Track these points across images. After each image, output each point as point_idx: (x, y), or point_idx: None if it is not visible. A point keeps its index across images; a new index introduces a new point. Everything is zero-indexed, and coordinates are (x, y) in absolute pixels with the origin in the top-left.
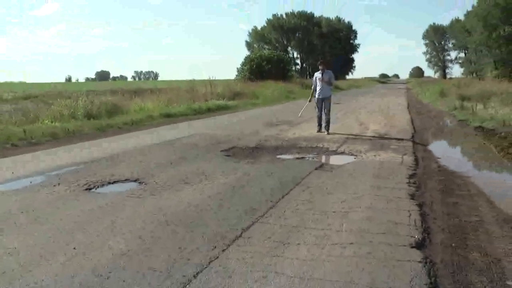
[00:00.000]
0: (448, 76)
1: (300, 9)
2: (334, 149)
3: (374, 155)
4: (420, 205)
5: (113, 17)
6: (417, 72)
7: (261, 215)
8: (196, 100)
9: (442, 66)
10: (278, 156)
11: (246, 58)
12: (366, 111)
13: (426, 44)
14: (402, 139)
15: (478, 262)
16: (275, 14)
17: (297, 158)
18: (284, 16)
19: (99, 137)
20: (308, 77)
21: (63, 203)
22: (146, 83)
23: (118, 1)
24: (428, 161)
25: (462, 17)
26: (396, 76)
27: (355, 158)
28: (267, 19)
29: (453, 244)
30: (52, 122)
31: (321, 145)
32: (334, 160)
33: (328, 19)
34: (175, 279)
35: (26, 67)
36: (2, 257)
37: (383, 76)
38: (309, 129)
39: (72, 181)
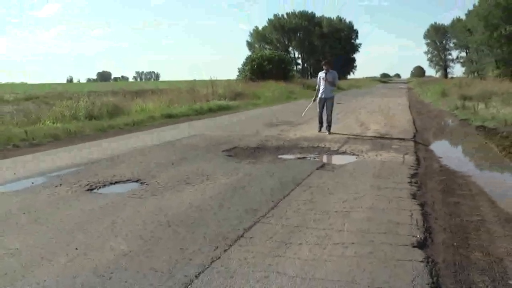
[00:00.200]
0: (449, 76)
1: (301, 9)
2: (336, 149)
3: (376, 155)
4: (421, 205)
5: (113, 17)
6: (419, 72)
7: (263, 215)
8: (198, 100)
9: (443, 65)
10: (280, 156)
11: (247, 58)
12: (367, 111)
13: (427, 44)
14: (403, 139)
15: (480, 262)
16: (276, 14)
17: (299, 158)
18: (285, 16)
19: (100, 138)
20: (309, 77)
21: (65, 203)
22: (147, 84)
23: (118, 1)
24: (429, 160)
25: (463, 17)
26: (398, 75)
27: (356, 158)
28: (268, 19)
29: (455, 244)
30: (53, 123)
31: (323, 145)
32: (336, 160)
33: (329, 19)
34: (177, 279)
35: (26, 68)
36: (4, 258)
37: (384, 75)
38: (310, 130)
39: (73, 182)
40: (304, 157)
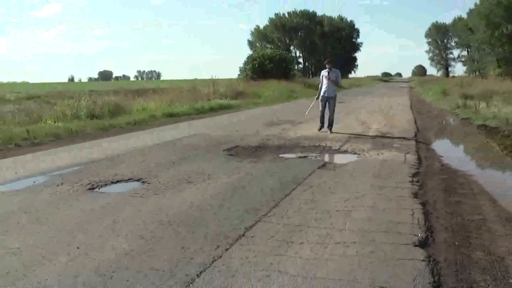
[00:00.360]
0: (451, 75)
1: (301, 9)
2: (337, 148)
3: (377, 154)
4: (423, 204)
5: (113, 17)
6: (420, 71)
7: (264, 214)
8: (199, 99)
9: (444, 64)
10: (281, 155)
11: (248, 57)
12: (367, 111)
13: (428, 43)
14: (404, 138)
15: (482, 261)
16: (277, 13)
17: (300, 157)
18: (286, 15)
19: (102, 137)
20: (310, 76)
21: (66, 203)
22: (148, 83)
23: (118, 1)
24: (431, 160)
25: (464, 16)
26: (399, 74)
27: (358, 157)
28: (269, 18)
29: (457, 243)
30: (55, 122)
31: (324, 144)
32: (337, 159)
33: (330, 18)
34: (178, 278)
35: (26, 67)
36: (5, 257)
37: (386, 74)
38: (311, 129)
39: (75, 181)
40: (305, 156)
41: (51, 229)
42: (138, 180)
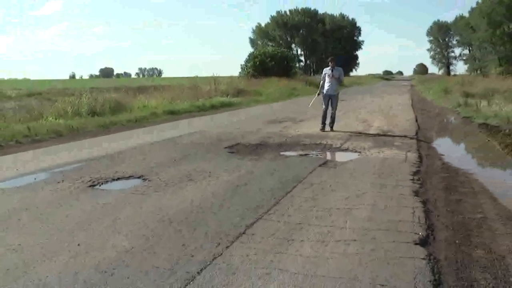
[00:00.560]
0: (452, 73)
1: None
2: (338, 146)
3: (378, 152)
4: (423, 202)
5: (113, 17)
6: (421, 69)
7: (265, 212)
8: (200, 97)
9: (446, 63)
10: (282, 153)
11: (249, 55)
12: (367, 110)
13: (430, 41)
14: (405, 136)
15: (482, 259)
16: (279, 11)
17: (301, 155)
18: (288, 13)
19: (103, 134)
20: (311, 74)
21: (67, 200)
22: (149, 80)
23: (118, 1)
24: (431, 158)
25: (466, 14)
26: (400, 73)
27: (359, 155)
28: (271, 15)
29: (457, 241)
30: (56, 119)
31: (325, 142)
32: (338, 157)
33: (332, 16)
34: (179, 276)
35: (26, 67)
36: (6, 254)
37: (387, 73)
38: (312, 127)
39: (76, 178)
40: (306, 154)
41: (51, 227)
42: (139, 178)
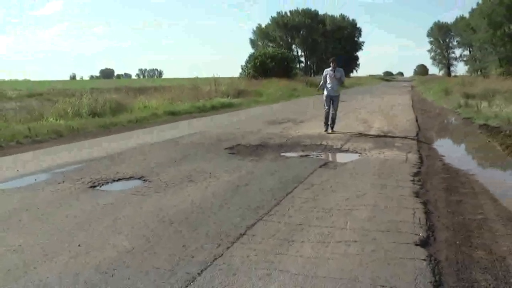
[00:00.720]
0: (452, 74)
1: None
2: (338, 146)
3: (379, 153)
4: (424, 203)
5: (113, 17)
6: (422, 70)
7: (265, 213)
8: (200, 98)
9: (446, 63)
10: (282, 154)
11: (250, 56)
12: (367, 111)
13: (430, 42)
14: (406, 137)
15: (483, 260)
16: (279, 12)
17: (301, 156)
18: (288, 13)
19: (103, 135)
20: (312, 75)
21: (68, 200)
22: (150, 81)
23: (118, 1)
24: (432, 159)
25: (466, 15)
26: (401, 73)
27: (359, 156)
28: (271, 16)
29: (458, 242)
30: (56, 119)
31: (325, 143)
32: (338, 158)
33: (332, 17)
34: (180, 276)
35: (26, 67)
36: (7, 255)
37: (387, 73)
38: (313, 128)
39: (76, 179)
40: (306, 155)
41: (52, 227)
42: (139, 178)
